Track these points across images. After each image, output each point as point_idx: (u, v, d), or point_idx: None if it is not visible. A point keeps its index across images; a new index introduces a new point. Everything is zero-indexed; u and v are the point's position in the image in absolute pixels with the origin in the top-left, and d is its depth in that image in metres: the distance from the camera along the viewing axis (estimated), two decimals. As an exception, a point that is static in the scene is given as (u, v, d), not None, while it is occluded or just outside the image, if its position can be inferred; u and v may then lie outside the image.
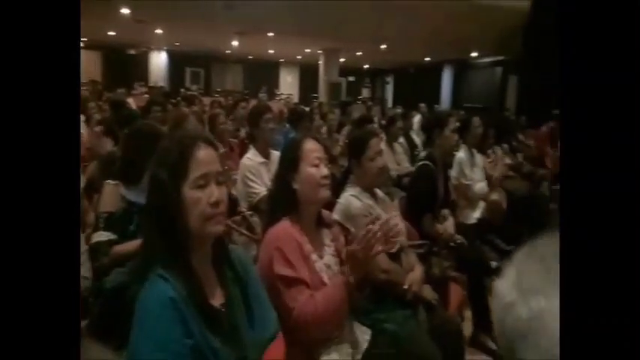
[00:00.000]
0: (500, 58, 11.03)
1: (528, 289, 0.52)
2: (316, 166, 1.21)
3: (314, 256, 1.21)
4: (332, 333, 1.17)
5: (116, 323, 0.83)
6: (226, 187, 0.93)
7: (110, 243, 1.35)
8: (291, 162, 1.23)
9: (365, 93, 16.09)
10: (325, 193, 1.23)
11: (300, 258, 1.16)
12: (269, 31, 9.37)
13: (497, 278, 0.58)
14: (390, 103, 13.98)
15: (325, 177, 1.22)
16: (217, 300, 0.88)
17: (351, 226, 1.48)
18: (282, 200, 1.24)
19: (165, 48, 13.04)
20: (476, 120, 2.92)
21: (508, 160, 3.63)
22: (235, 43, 10.59)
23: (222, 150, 2.40)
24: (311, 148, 1.24)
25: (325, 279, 1.20)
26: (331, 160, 3.69)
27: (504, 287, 0.55)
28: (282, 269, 1.11)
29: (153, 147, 0.90)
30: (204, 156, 0.84)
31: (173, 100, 6.24)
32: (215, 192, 0.83)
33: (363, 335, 1.27)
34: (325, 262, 1.23)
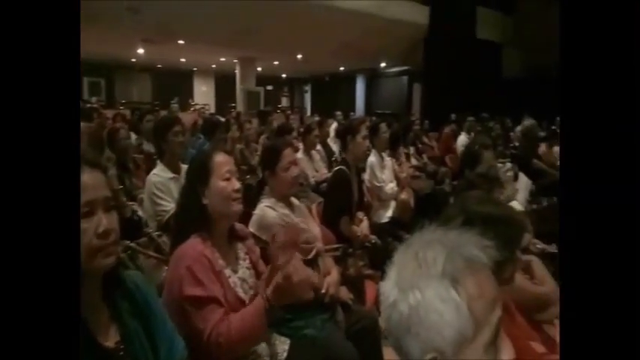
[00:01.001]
0: (406, 68, 12.05)
1: (406, 286, 0.56)
2: (227, 179, 1.19)
3: (227, 271, 1.18)
4: (245, 353, 1.14)
5: None
6: (120, 212, 0.85)
7: None
8: (200, 176, 1.19)
9: (284, 102, 16.24)
10: (237, 207, 1.20)
11: (212, 275, 1.11)
12: (179, 39, 8.95)
13: (383, 280, 0.62)
14: (308, 112, 14.32)
15: (237, 191, 1.20)
16: (112, 339, 0.79)
17: (267, 237, 1.48)
18: (192, 216, 1.18)
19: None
20: (383, 126, 3.14)
21: (414, 161, 3.98)
22: (141, 50, 9.89)
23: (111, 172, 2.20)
24: (221, 161, 1.20)
25: (240, 293, 1.17)
26: (250, 170, 3.66)
27: (387, 287, 0.59)
28: (191, 289, 1.06)
29: None
30: (88, 180, 0.74)
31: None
32: (103, 220, 0.74)
33: (282, 345, 1.27)
34: (240, 277, 1.21)
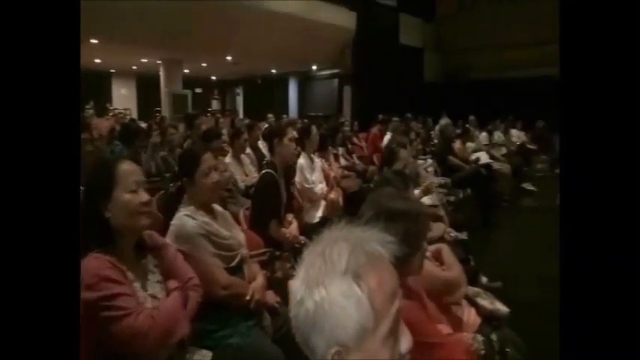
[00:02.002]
0: (336, 71, 12.38)
1: (312, 283, 0.57)
2: (133, 191, 1.10)
3: (136, 285, 1.11)
4: (167, 347, 1.10)
5: None
6: None
7: None
8: (101, 188, 1.09)
9: (215, 105, 15.70)
10: (145, 221, 1.13)
11: (123, 278, 1.06)
12: (91, 38, 8.18)
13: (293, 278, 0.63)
14: (241, 114, 14.02)
15: (145, 203, 1.12)
16: None
17: (187, 247, 1.41)
18: (93, 231, 1.08)
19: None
20: (313, 128, 3.19)
21: (344, 162, 4.10)
22: (47, 49, 8.85)
23: None
24: (127, 170, 1.12)
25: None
26: (175, 177, 3.47)
27: (296, 285, 0.59)
28: (103, 290, 1.00)
29: None
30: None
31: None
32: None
33: (203, 359, 1.22)
34: (150, 293, 1.14)
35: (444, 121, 5.07)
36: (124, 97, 13.79)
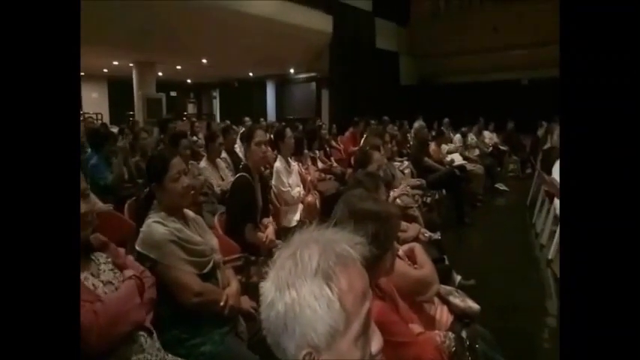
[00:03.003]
0: (314, 74, 12.42)
1: (283, 285, 0.56)
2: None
3: (83, 275, 1.10)
4: (118, 337, 1.08)
5: None
6: None
7: None
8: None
9: (190, 108, 15.43)
10: (87, 231, 1.13)
11: None
12: (59, 40, 7.88)
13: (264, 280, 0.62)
14: (218, 118, 13.83)
15: (85, 214, 1.11)
16: None
17: (155, 254, 1.37)
18: None
19: None
20: (287, 131, 3.18)
21: (321, 165, 4.10)
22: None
23: None
24: None
25: (102, 294, 1.11)
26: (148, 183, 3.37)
27: (266, 287, 0.59)
28: None
29: None
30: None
31: None
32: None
33: (175, 368, 1.18)
34: (102, 279, 1.14)
35: (418, 123, 5.17)
36: (94, 101, 13.34)
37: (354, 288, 0.58)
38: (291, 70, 12.93)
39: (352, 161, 5.03)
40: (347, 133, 6.14)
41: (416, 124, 4.95)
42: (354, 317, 0.57)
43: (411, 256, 1.35)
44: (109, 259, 1.20)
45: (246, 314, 1.49)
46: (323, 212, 2.84)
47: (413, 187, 3.29)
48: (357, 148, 5.03)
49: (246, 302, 1.52)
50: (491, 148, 7.19)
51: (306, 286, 0.56)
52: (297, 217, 2.84)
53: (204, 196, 2.82)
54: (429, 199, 3.40)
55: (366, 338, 0.60)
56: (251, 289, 1.64)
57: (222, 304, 1.39)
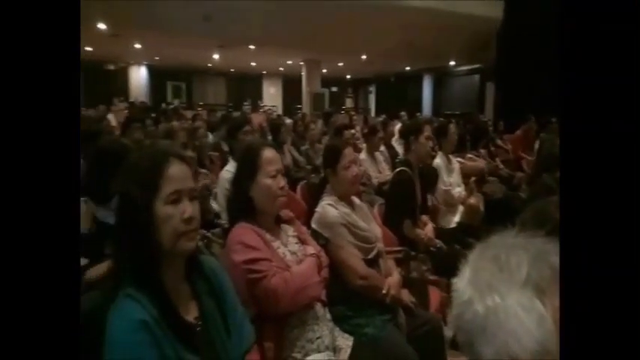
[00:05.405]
0: (477, 65, 11.36)
1: (483, 287, 0.54)
2: (273, 177, 1.23)
3: (276, 244, 1.25)
4: (310, 337, 1.18)
5: (92, 346, 0.82)
6: (202, 203, 0.92)
7: (83, 269, 1.32)
8: (248, 170, 1.24)
9: (348, 103, 16.28)
10: (281, 202, 1.26)
11: (262, 243, 1.19)
12: (250, 44, 9.44)
13: (456, 277, 0.61)
14: (373, 113, 14.17)
15: (282, 188, 1.24)
16: (191, 314, 0.87)
17: (328, 234, 1.50)
18: (239, 207, 1.26)
19: (145, 63, 12.97)
20: (452, 126, 3.00)
21: (486, 165, 3.73)
22: (216, 56, 10.62)
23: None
24: (269, 157, 1.25)
25: (291, 263, 1.23)
26: (315, 170, 3.74)
27: (461, 285, 0.58)
28: (244, 255, 1.14)
29: (120, 164, 0.88)
30: (176, 172, 0.83)
31: (153, 115, 6.19)
32: (188, 208, 0.82)
33: (346, 342, 1.28)
34: (290, 249, 1.27)
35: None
36: (272, 96, 15.57)
37: None
38: (452, 62, 12.14)
39: (525, 165, 4.42)
40: (518, 132, 5.40)
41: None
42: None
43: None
44: (295, 233, 1.35)
45: (406, 307, 1.49)
46: (487, 217, 2.59)
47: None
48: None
49: (406, 295, 1.52)
50: None
51: (514, 294, 0.51)
52: (456, 218, 2.67)
53: (363, 186, 2.93)
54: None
55: None
56: (409, 284, 1.64)
57: (384, 291, 1.44)
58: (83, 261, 1.33)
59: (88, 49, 10.19)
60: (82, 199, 1.43)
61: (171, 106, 9.41)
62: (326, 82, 12.45)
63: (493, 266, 0.55)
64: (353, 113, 9.65)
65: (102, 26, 7.63)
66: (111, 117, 6.10)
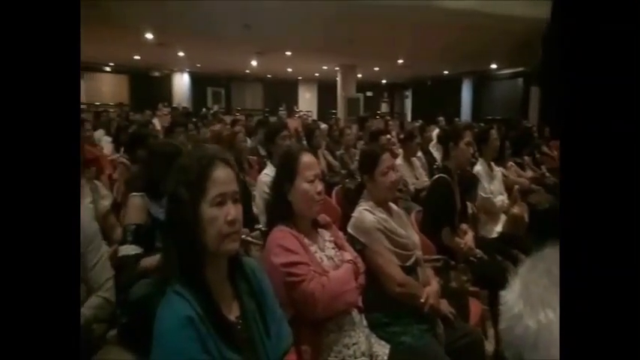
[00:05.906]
0: (521, 69, 10.88)
1: (536, 301, 0.53)
2: (311, 182, 1.24)
3: (314, 248, 1.26)
4: (346, 343, 1.18)
5: (142, 332, 0.86)
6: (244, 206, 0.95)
7: (137, 257, 1.41)
8: (287, 174, 1.27)
9: (384, 108, 16.13)
10: (318, 207, 1.27)
11: (301, 247, 1.20)
12: (286, 50, 9.62)
13: (505, 289, 0.59)
14: (409, 117, 13.94)
15: (319, 193, 1.26)
16: (233, 313, 0.90)
17: (365, 239, 1.49)
18: (278, 210, 1.28)
19: (187, 69, 13.59)
20: (493, 132, 2.89)
21: (530, 173, 3.55)
22: (254, 62, 10.91)
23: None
24: (307, 162, 1.26)
25: (327, 268, 1.23)
26: (349, 174, 3.73)
27: (511, 297, 0.56)
28: (284, 258, 1.16)
29: (171, 164, 0.93)
30: (222, 175, 0.86)
31: (194, 119, 6.46)
32: (232, 210, 0.85)
33: (383, 349, 1.26)
34: (326, 254, 1.28)
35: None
36: (307, 101, 15.75)
37: None
38: (493, 66, 11.71)
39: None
40: (566, 138, 5.09)
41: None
42: None
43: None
44: (332, 238, 1.36)
45: (445, 318, 1.45)
46: (532, 228, 2.46)
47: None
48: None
49: (445, 306, 1.48)
50: None
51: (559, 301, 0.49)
52: (498, 228, 2.56)
53: (400, 192, 2.89)
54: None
55: None
56: (448, 294, 1.59)
57: (422, 300, 1.40)
58: (138, 249, 1.43)
59: (136, 57, 10.84)
60: (139, 194, 1.54)
61: (212, 111, 9.77)
62: (361, 86, 12.41)
63: (546, 281, 0.53)
64: (388, 118, 9.53)
65: (149, 36, 8.09)
66: (156, 121, 6.43)
